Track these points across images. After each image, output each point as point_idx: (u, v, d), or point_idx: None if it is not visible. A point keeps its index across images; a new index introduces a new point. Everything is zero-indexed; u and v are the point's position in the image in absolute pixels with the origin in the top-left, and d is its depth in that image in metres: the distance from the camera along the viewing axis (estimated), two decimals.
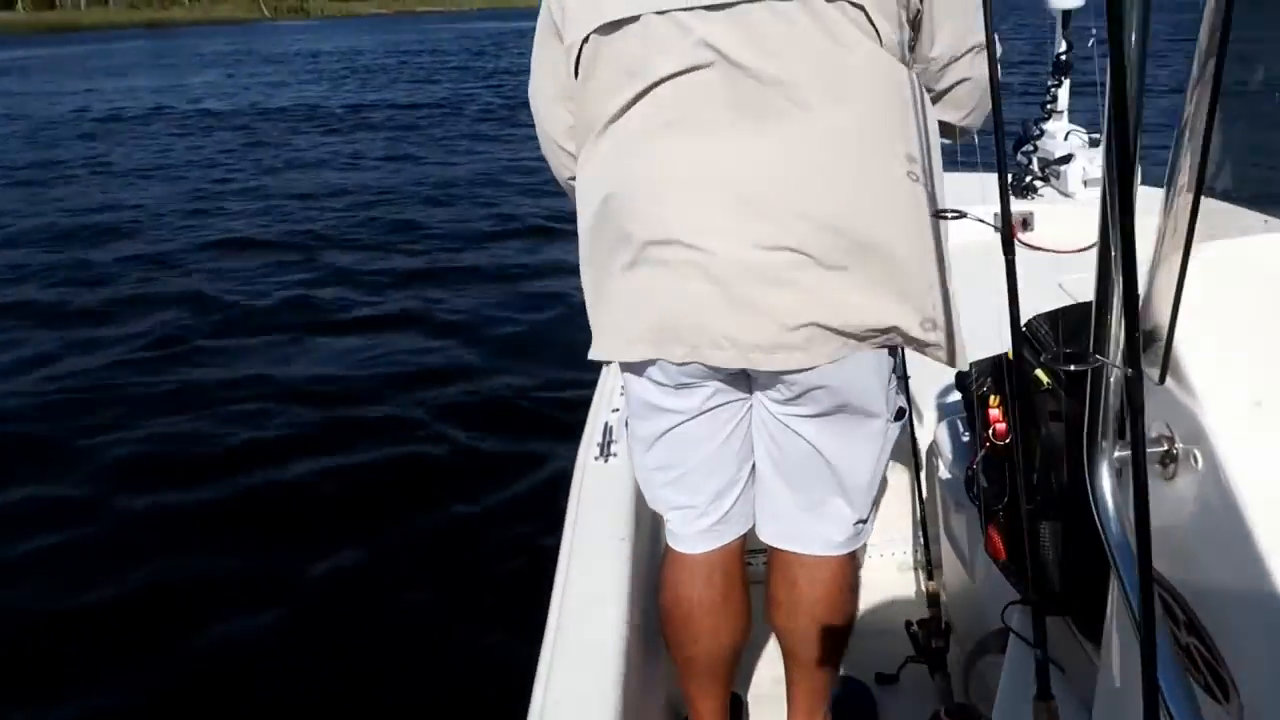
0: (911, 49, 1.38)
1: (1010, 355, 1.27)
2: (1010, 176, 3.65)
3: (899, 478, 2.38)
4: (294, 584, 3.40)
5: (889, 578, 2.51)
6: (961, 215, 1.27)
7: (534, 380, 5.21)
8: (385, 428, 4.69)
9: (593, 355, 1.52)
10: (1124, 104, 0.65)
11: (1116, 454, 1.00)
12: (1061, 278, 3.00)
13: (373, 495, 4.00)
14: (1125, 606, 0.98)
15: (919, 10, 1.36)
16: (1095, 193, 3.40)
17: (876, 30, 1.29)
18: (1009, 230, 1.18)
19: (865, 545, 1.75)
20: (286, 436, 4.64)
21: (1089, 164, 3.44)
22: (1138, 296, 0.77)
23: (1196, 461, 0.93)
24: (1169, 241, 0.98)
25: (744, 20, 1.28)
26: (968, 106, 1.48)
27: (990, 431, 1.43)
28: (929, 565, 2.19)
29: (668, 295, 1.37)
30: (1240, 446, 0.91)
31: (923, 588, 2.22)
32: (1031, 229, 3.40)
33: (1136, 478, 0.72)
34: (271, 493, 4.09)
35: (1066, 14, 3.25)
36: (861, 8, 1.28)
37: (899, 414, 1.56)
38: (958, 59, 1.41)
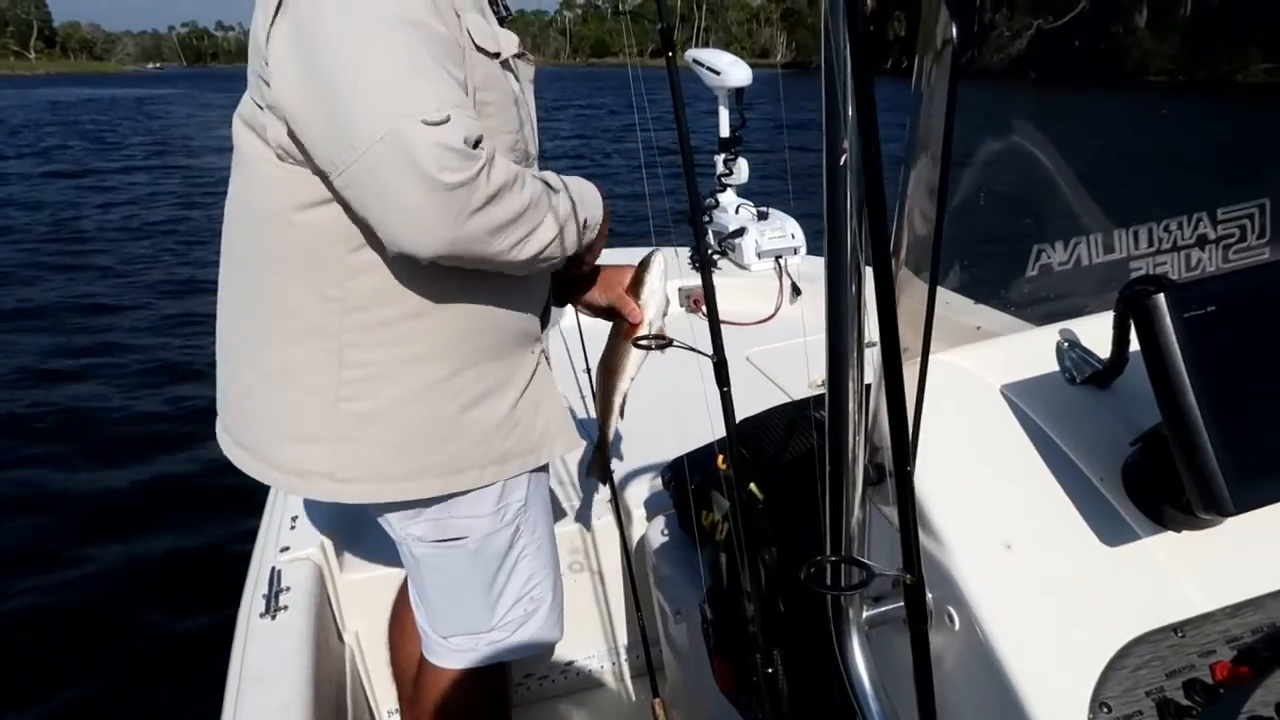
0: None
1: (747, 494, 1.12)
2: (688, 250, 3.73)
3: (612, 576, 2.24)
4: None
5: (611, 690, 2.34)
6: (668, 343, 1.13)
7: (173, 494, 4.53)
8: None
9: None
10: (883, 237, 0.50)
11: (866, 614, 0.87)
12: (747, 350, 3.05)
13: None
14: None
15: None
16: (769, 264, 3.56)
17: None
18: (722, 359, 1.03)
19: (490, 670, 1.61)
20: None
21: (760, 236, 3.56)
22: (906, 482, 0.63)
23: (953, 621, 0.82)
24: (906, 331, 0.88)
25: None
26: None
27: (726, 561, 1.28)
28: (650, 672, 2.04)
29: None
30: (996, 599, 0.81)
31: (647, 701, 2.06)
32: None
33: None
34: None
35: (739, 91, 3.36)
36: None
37: (447, 538, 1.44)
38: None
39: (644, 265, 1.47)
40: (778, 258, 3.49)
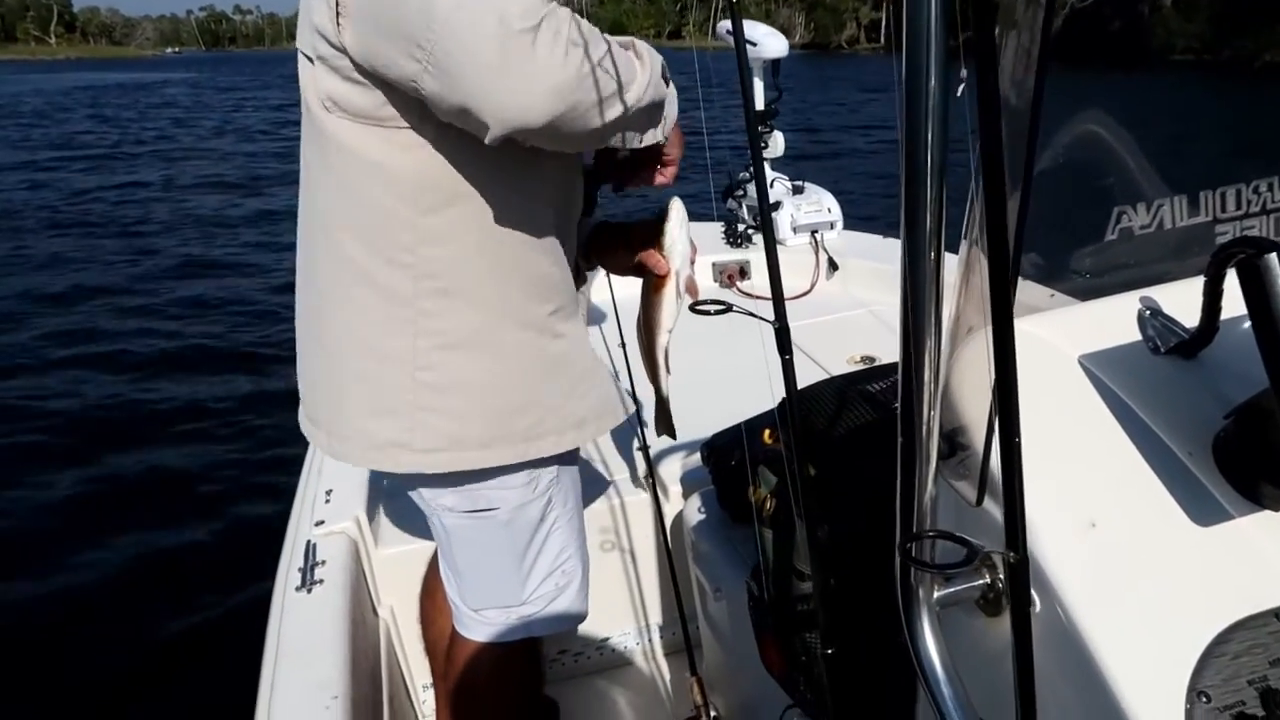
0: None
1: (803, 469, 1.08)
2: (723, 225, 3.68)
3: (644, 553, 2.22)
4: None
5: (645, 667, 2.32)
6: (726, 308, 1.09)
7: (212, 473, 4.53)
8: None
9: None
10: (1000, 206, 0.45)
11: (936, 595, 0.82)
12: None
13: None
14: None
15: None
16: (804, 238, 3.50)
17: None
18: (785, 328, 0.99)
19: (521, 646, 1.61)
20: None
21: (796, 210, 3.50)
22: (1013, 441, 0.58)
23: (1034, 603, 0.78)
24: (968, 309, 0.84)
25: None
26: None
27: (773, 538, 1.24)
28: (689, 649, 2.02)
29: None
30: (1082, 580, 0.77)
31: (683, 678, 2.04)
32: (749, 277, 3.40)
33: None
34: None
35: (775, 63, 3.29)
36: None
37: (478, 509, 1.43)
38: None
39: (662, 215, 1.44)
40: (813, 232, 3.44)
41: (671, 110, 1.30)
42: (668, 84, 1.25)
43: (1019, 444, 0.57)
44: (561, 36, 1.01)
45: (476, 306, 1.25)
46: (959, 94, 0.47)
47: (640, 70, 1.15)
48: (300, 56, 1.22)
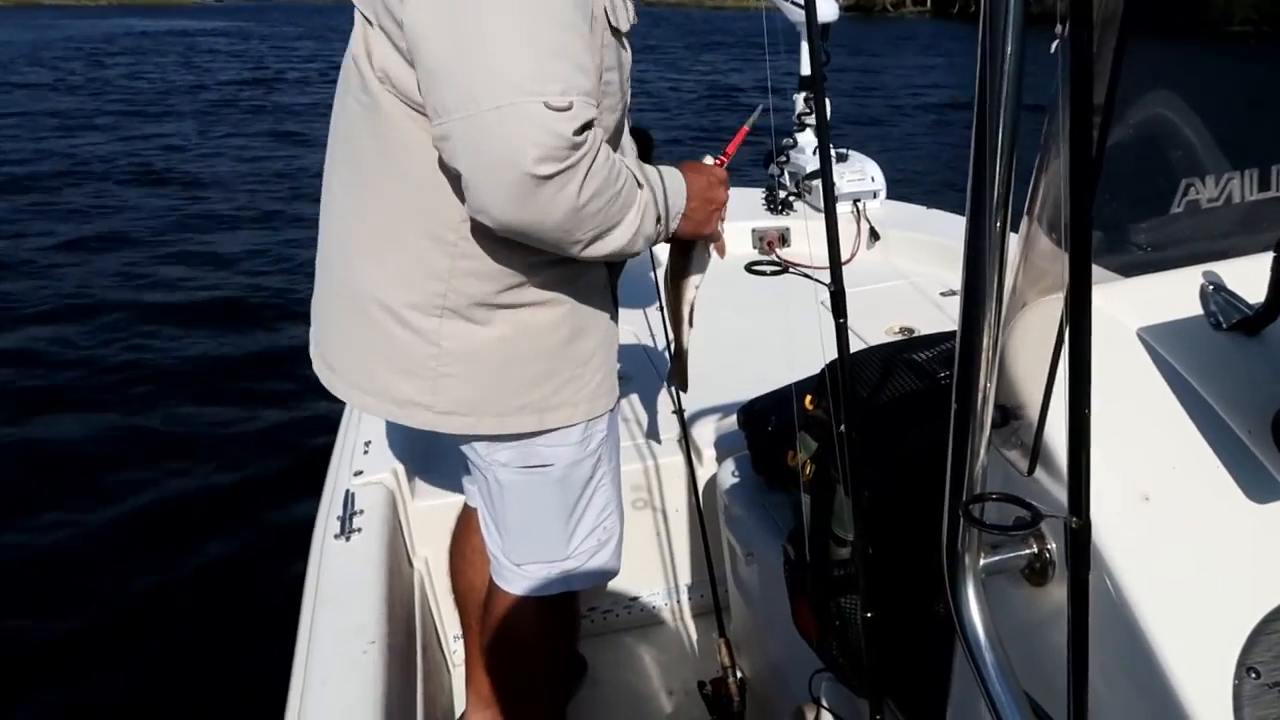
0: None
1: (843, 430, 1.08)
2: (764, 191, 3.64)
3: (675, 514, 2.24)
4: None
5: (674, 627, 2.35)
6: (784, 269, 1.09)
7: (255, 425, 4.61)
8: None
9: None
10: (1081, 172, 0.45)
11: (983, 562, 0.82)
12: (823, 295, 2.97)
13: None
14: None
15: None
16: (846, 207, 3.46)
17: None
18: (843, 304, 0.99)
19: (558, 600, 1.62)
20: None
21: (839, 179, 3.45)
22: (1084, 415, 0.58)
23: None
24: (1027, 288, 0.83)
25: None
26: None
27: (811, 503, 1.25)
28: (717, 610, 2.03)
29: None
30: (1129, 552, 0.76)
31: (710, 639, 2.06)
32: (789, 245, 3.38)
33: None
34: None
35: (825, 27, 3.24)
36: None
37: (532, 465, 1.45)
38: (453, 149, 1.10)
39: None
40: (856, 201, 3.39)
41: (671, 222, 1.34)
42: (671, 217, 1.31)
43: (1088, 415, 0.57)
44: (566, 192, 1.06)
45: (510, 288, 1.28)
46: (1053, 50, 0.46)
47: (633, 214, 1.20)
48: (357, 14, 1.21)
